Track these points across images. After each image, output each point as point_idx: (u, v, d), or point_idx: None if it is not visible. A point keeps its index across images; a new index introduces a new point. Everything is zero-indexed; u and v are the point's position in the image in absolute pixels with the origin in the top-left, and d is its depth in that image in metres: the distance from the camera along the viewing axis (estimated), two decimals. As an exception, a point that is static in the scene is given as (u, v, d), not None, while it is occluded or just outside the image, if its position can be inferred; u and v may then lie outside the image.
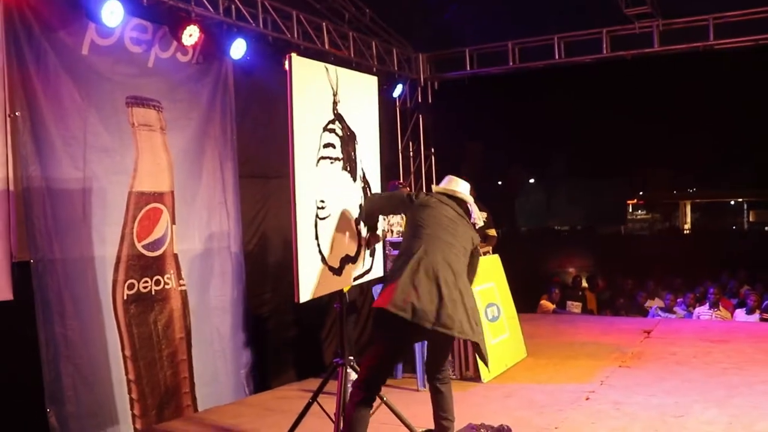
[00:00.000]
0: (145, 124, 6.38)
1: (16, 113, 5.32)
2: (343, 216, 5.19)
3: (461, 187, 4.97)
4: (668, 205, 44.23)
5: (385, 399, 5.12)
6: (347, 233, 5.23)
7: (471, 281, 4.81)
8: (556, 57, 9.66)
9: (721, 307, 10.97)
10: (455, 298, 4.43)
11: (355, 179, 5.34)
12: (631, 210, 43.98)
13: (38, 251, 5.44)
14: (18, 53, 5.35)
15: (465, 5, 9.27)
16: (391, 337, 4.55)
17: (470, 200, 4.99)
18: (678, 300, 11.76)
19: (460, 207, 4.87)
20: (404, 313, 4.33)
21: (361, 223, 5.37)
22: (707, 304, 11.05)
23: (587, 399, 6.30)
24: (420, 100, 10.74)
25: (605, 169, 34.89)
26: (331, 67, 5.19)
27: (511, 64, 9.93)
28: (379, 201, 5.36)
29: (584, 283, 14.30)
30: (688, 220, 42.34)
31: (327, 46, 8.40)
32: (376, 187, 5.66)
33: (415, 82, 10.61)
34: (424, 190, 10.62)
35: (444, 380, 4.76)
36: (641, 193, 42.87)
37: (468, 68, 10.20)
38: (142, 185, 6.32)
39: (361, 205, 5.37)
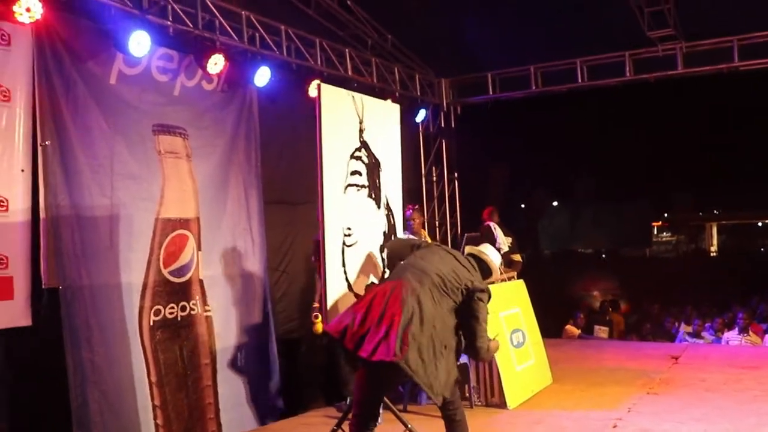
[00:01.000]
0: (171, 152, 6.45)
1: (47, 142, 5.41)
2: (368, 244, 5.20)
3: (487, 250, 4.74)
4: (693, 227, 43.73)
5: (410, 426, 5.10)
6: (373, 260, 5.24)
7: (473, 327, 4.39)
8: (579, 80, 9.66)
9: (750, 332, 10.78)
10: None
11: (379, 206, 5.38)
12: (656, 232, 43.53)
13: (66, 278, 5.50)
14: (48, 84, 5.46)
15: (487, 30, 9.30)
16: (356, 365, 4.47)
17: (491, 261, 4.69)
18: (706, 324, 11.60)
19: (472, 263, 4.58)
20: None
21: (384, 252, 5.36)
22: (736, 329, 10.86)
23: (615, 426, 6.21)
24: (443, 125, 10.78)
25: (629, 191, 34.63)
26: (357, 95, 5.24)
27: (533, 88, 9.97)
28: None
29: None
30: (715, 242, 41.83)
31: (350, 73, 8.47)
32: (398, 214, 5.67)
33: (438, 107, 10.65)
34: (448, 221, 10.66)
35: (451, 412, 4.49)
36: (666, 215, 42.45)
37: (490, 93, 10.24)
38: (169, 212, 6.38)
39: (385, 232, 5.38)
